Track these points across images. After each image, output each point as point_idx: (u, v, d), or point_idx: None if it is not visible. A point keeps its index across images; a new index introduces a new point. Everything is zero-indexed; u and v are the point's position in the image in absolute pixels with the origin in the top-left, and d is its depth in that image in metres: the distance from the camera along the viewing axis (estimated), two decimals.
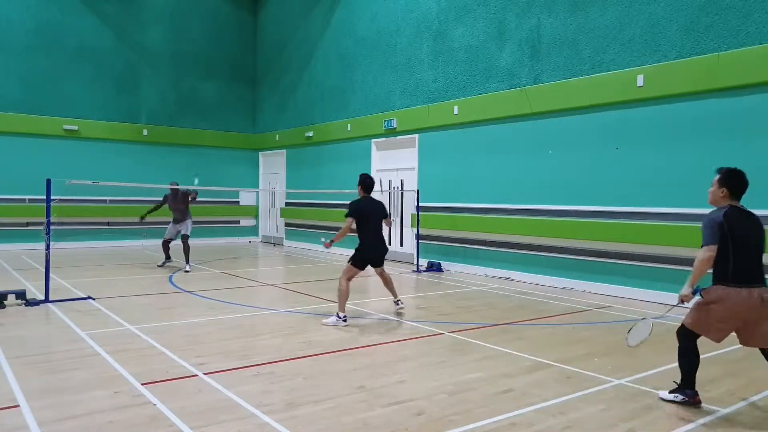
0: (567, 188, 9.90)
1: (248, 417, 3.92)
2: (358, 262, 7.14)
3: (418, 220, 12.20)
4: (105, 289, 8.99)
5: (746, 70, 7.68)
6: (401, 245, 13.79)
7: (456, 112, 11.90)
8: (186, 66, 18.08)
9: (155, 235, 15.78)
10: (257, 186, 19.52)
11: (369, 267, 7.40)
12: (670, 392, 4.32)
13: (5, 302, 7.51)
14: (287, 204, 18.12)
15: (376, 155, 14.53)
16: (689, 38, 8.35)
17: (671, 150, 8.52)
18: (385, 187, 14.22)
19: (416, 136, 13.06)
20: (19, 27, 15.39)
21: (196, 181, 12.81)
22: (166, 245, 11.95)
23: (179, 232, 11.76)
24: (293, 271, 12.34)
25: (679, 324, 4.36)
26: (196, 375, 4.81)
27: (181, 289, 9.35)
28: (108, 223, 16.42)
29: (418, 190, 12.48)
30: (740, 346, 6.05)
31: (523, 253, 10.64)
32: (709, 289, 4.08)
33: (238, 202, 19.28)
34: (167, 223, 12.15)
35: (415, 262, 12.34)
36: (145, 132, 17.17)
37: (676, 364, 4.37)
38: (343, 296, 6.90)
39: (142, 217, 12.07)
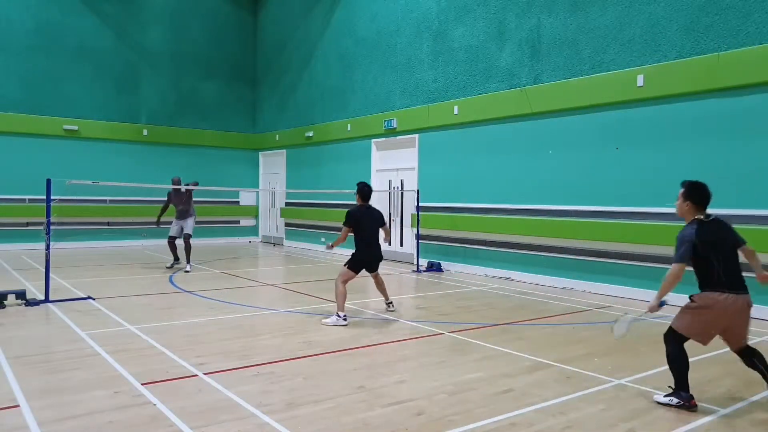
0: (567, 188, 9.90)
1: (248, 417, 3.92)
2: (354, 266, 7.26)
3: (418, 220, 12.20)
4: (105, 289, 8.99)
5: (746, 70, 7.68)
6: (401, 245, 13.79)
7: (456, 112, 11.90)
8: (186, 66, 18.08)
9: (155, 235, 15.80)
10: (257, 186, 19.52)
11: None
12: (666, 396, 4.31)
13: (5, 302, 7.51)
14: (287, 204, 18.12)
15: (376, 155, 14.53)
16: (689, 38, 8.35)
17: (671, 150, 8.52)
18: (385, 187, 14.22)
19: (416, 136, 13.06)
20: (19, 27, 15.39)
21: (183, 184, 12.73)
22: (172, 244, 11.88)
23: (182, 229, 11.72)
24: (293, 271, 12.34)
25: (667, 328, 4.38)
26: (196, 375, 4.81)
27: (181, 289, 9.35)
28: (108, 223, 16.42)
29: (418, 190, 12.48)
30: None
31: (523, 253, 10.64)
32: (699, 296, 4.22)
33: (238, 202, 19.28)
34: (168, 222, 12.14)
35: (415, 262, 12.34)
36: (145, 132, 17.17)
37: None
38: (341, 296, 6.98)
39: (158, 223, 11.97)
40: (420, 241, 12.40)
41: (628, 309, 7.97)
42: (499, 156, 11.09)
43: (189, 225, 11.71)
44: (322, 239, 16.17)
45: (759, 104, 7.64)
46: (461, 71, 11.91)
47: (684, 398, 4.18)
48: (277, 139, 18.29)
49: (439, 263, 12.10)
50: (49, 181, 7.91)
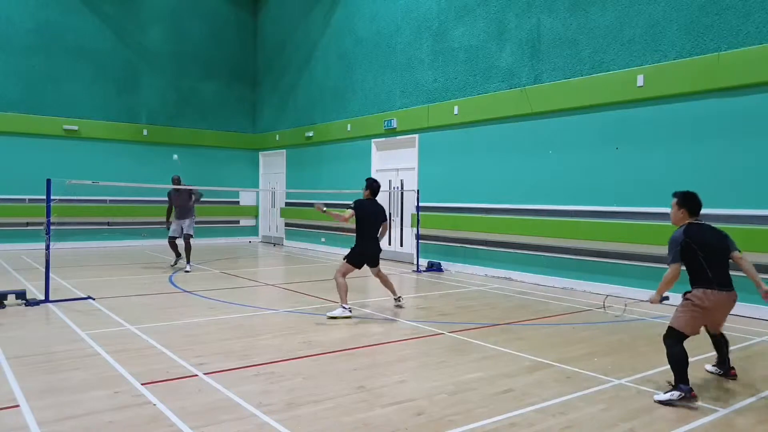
0: (567, 188, 9.91)
1: (248, 417, 3.92)
2: (355, 260, 7.44)
3: (418, 220, 12.20)
4: (105, 289, 8.99)
5: (746, 70, 7.68)
6: (401, 245, 13.80)
7: (456, 112, 11.90)
8: (186, 66, 18.08)
9: (155, 235, 15.83)
10: (257, 186, 19.52)
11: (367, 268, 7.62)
12: (666, 392, 4.38)
13: (5, 302, 7.51)
14: (287, 204, 18.12)
15: (376, 155, 14.53)
16: (689, 38, 8.35)
17: (671, 150, 8.52)
18: (385, 187, 14.22)
19: (416, 136, 13.06)
20: (19, 27, 15.39)
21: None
22: (173, 244, 11.89)
23: (183, 229, 11.72)
24: (293, 271, 12.34)
25: (666, 329, 4.60)
26: (196, 375, 4.81)
27: (181, 289, 9.35)
28: (108, 223, 16.42)
29: (418, 190, 12.48)
30: (739, 346, 6.10)
31: (523, 253, 10.64)
32: (693, 294, 4.53)
33: (238, 202, 19.28)
34: (163, 222, 12.15)
35: (415, 262, 12.34)
36: (145, 132, 17.17)
37: None
38: (342, 289, 7.21)
39: (167, 224, 11.96)
40: (420, 241, 12.40)
41: (628, 309, 7.97)
42: (499, 156, 11.09)
43: (189, 225, 11.71)
44: (322, 239, 16.18)
45: (759, 104, 7.64)
46: (461, 71, 11.91)
47: (685, 390, 4.28)
48: (277, 139, 18.29)
49: (439, 263, 12.10)
50: (49, 181, 7.91)
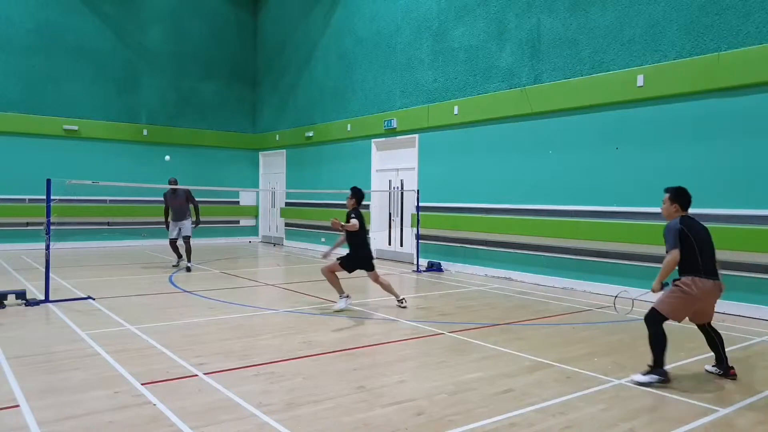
0: (567, 188, 9.90)
1: (248, 417, 3.92)
2: (351, 263, 7.71)
3: (418, 220, 12.20)
4: (105, 289, 8.99)
5: (746, 70, 7.68)
6: (401, 245, 13.80)
7: (456, 112, 11.90)
8: (186, 66, 18.08)
9: (155, 236, 15.83)
10: (257, 186, 19.52)
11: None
12: (644, 374, 4.75)
13: (5, 302, 7.51)
14: (287, 204, 18.12)
15: (376, 155, 14.53)
16: (689, 38, 8.35)
17: (671, 150, 8.52)
18: (385, 187, 14.22)
19: (416, 136, 13.06)
20: (19, 27, 15.39)
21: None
22: (173, 245, 11.95)
23: (180, 230, 11.76)
24: (293, 271, 12.34)
25: (648, 311, 4.90)
26: (196, 375, 4.81)
27: (181, 289, 9.35)
28: (108, 223, 16.42)
29: (418, 190, 12.48)
30: (739, 345, 6.10)
31: (523, 253, 10.64)
32: (683, 281, 4.77)
33: (238, 202, 19.28)
34: (162, 223, 12.22)
35: (415, 262, 12.34)
36: (145, 132, 17.17)
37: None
38: (334, 281, 7.62)
39: (167, 225, 12.01)
40: (420, 241, 12.40)
41: (628, 309, 7.97)
42: (499, 156, 11.09)
43: (187, 227, 11.76)
44: (323, 239, 16.17)
45: (759, 104, 7.64)
46: (461, 71, 11.91)
47: (662, 374, 4.70)
48: (277, 139, 18.29)
49: (439, 263, 12.10)
50: (49, 181, 7.91)
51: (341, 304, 7.57)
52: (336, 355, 5.50)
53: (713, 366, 5.03)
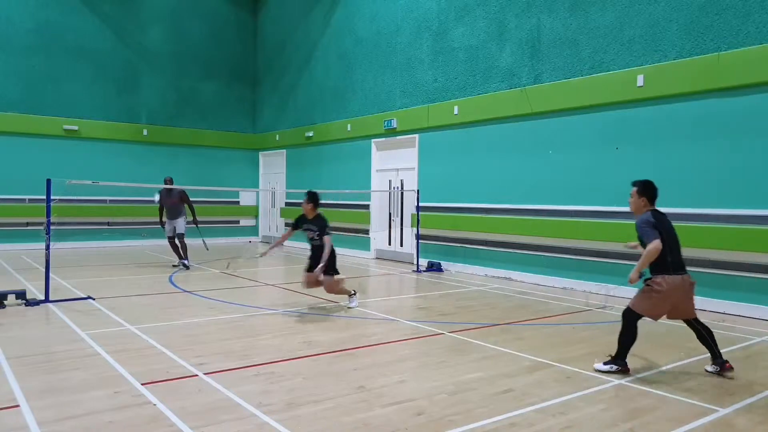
0: (567, 188, 9.90)
1: (248, 417, 3.92)
2: (330, 270, 7.61)
3: (418, 220, 12.20)
4: (105, 289, 8.99)
5: (746, 70, 7.68)
6: (401, 245, 13.80)
7: (456, 112, 11.90)
8: (186, 66, 18.08)
9: (155, 235, 15.80)
10: (257, 186, 19.52)
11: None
12: (605, 363, 4.98)
13: (5, 302, 7.51)
14: (287, 204, 18.11)
15: (376, 155, 14.53)
16: (689, 38, 8.35)
17: (671, 150, 8.52)
18: (385, 187, 14.22)
19: (416, 136, 13.06)
20: (19, 27, 15.39)
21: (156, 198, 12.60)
22: (172, 244, 12.07)
23: (175, 228, 11.93)
24: (293, 271, 12.33)
25: (625, 307, 5.10)
26: (196, 375, 4.81)
27: (181, 289, 9.35)
28: (108, 223, 16.42)
29: (418, 190, 12.48)
30: (739, 345, 6.11)
31: (523, 253, 10.64)
32: (655, 280, 4.86)
33: (238, 202, 19.28)
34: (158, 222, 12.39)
35: (415, 262, 12.34)
36: (145, 132, 17.17)
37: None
38: (342, 287, 7.75)
39: (161, 224, 12.14)
40: (420, 241, 12.40)
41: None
42: (499, 156, 11.09)
43: (180, 225, 11.91)
44: None
45: (759, 104, 7.64)
46: (461, 71, 11.91)
47: (622, 365, 4.94)
48: (277, 139, 18.29)
49: (439, 263, 12.10)
50: (49, 181, 7.91)
51: (355, 302, 7.79)
52: (336, 355, 5.50)
53: (711, 365, 5.03)
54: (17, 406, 4.06)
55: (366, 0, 14.61)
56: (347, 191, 14.73)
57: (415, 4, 13.05)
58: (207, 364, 5.11)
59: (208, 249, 12.86)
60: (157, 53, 17.58)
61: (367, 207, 14.61)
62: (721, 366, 4.95)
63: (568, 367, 5.17)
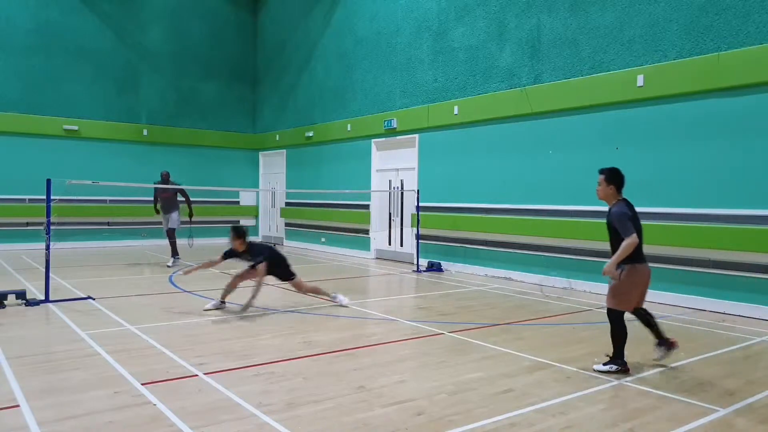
0: (567, 188, 9.90)
1: (248, 417, 3.92)
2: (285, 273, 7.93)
3: (418, 220, 12.20)
4: (105, 289, 8.99)
5: (746, 70, 7.68)
6: (401, 245, 13.79)
7: (456, 112, 11.90)
8: (186, 66, 18.08)
9: (155, 235, 15.81)
10: (257, 186, 19.52)
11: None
12: (605, 364, 5.00)
13: (5, 302, 7.51)
14: (287, 204, 18.12)
15: (376, 155, 14.53)
16: (689, 38, 8.35)
17: (671, 150, 8.52)
18: (385, 187, 14.22)
19: (416, 136, 13.05)
20: (19, 27, 15.38)
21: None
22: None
23: (168, 221, 12.25)
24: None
25: (606, 308, 5.18)
26: (196, 375, 4.81)
27: (181, 289, 9.35)
28: (108, 223, 16.42)
29: (418, 190, 12.47)
30: (739, 345, 6.11)
31: (523, 253, 10.64)
32: (628, 271, 4.96)
33: (238, 202, 19.28)
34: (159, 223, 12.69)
35: (415, 262, 12.34)
36: (145, 132, 17.17)
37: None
38: (318, 290, 8.03)
39: (156, 211, 12.59)
40: (420, 241, 12.40)
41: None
42: (499, 156, 11.09)
43: (172, 219, 12.19)
44: (323, 239, 16.17)
45: (759, 104, 7.63)
46: (461, 71, 11.91)
47: (622, 365, 4.96)
48: (277, 139, 18.29)
49: (439, 263, 12.10)
50: (49, 181, 7.91)
51: (346, 300, 7.93)
52: (336, 355, 5.50)
53: (658, 350, 5.20)
54: (17, 406, 4.06)
55: (366, 0, 14.61)
56: (347, 191, 14.72)
57: (415, 4, 13.05)
58: (207, 364, 5.11)
59: (191, 246, 12.88)
60: (157, 53, 17.58)
61: (367, 207, 14.61)
62: (668, 345, 5.15)
63: (568, 367, 5.18)
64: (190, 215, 12.38)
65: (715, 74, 7.97)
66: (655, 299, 8.53)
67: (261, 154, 19.40)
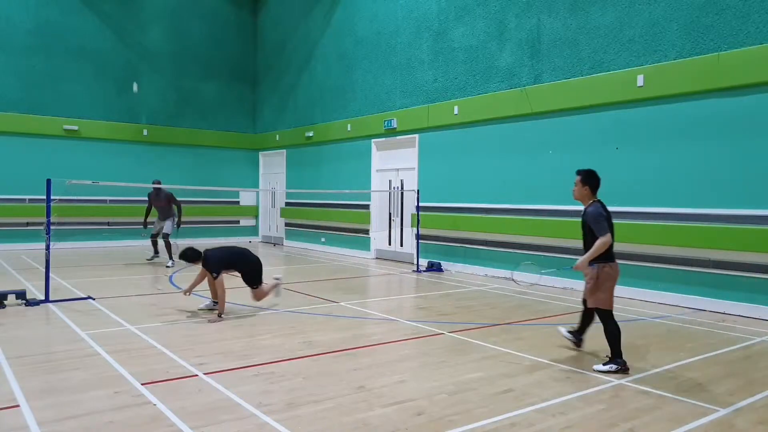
0: (567, 188, 9.80)
1: (248, 417, 3.92)
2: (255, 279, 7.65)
3: (418, 220, 12.20)
4: (105, 289, 8.99)
5: (746, 70, 7.68)
6: (401, 245, 13.80)
7: (456, 112, 11.90)
8: (186, 66, 18.07)
9: None
10: (257, 186, 19.52)
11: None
12: (605, 364, 5.06)
13: (5, 302, 7.51)
14: (287, 204, 18.12)
15: (376, 155, 14.53)
16: (689, 38, 8.35)
17: (671, 150, 8.52)
18: (385, 187, 14.22)
19: (416, 136, 13.06)
20: (19, 27, 15.38)
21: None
22: (153, 241, 12.80)
23: (163, 228, 12.49)
24: (293, 271, 12.33)
25: (594, 308, 5.31)
26: (196, 375, 4.81)
27: (181, 289, 9.34)
28: (108, 223, 16.42)
29: (418, 190, 12.47)
30: (739, 345, 6.11)
31: (523, 253, 10.64)
32: (605, 271, 5.11)
33: (238, 202, 19.28)
34: (152, 223, 12.92)
35: (415, 262, 12.34)
36: (145, 132, 17.17)
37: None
38: (268, 293, 7.77)
39: (145, 224, 12.90)
40: (420, 241, 12.40)
41: (627, 309, 7.97)
42: (499, 156, 11.09)
43: (167, 226, 12.45)
44: (323, 239, 16.17)
45: (759, 104, 7.64)
46: (461, 71, 11.91)
47: (621, 364, 5.01)
48: (277, 139, 18.29)
49: (440, 263, 12.10)
50: (49, 181, 7.91)
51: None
52: (336, 355, 5.50)
53: (569, 332, 5.72)
54: (17, 406, 4.06)
55: (366, 0, 14.61)
56: (347, 191, 14.72)
57: (415, 4, 13.05)
58: (207, 364, 5.12)
59: (177, 247, 12.98)
60: (157, 53, 17.58)
61: (367, 207, 14.61)
62: (577, 342, 5.66)
63: (568, 367, 5.18)
64: (178, 225, 12.60)
65: (715, 74, 7.98)
66: (655, 299, 8.54)
67: (261, 154, 19.40)
